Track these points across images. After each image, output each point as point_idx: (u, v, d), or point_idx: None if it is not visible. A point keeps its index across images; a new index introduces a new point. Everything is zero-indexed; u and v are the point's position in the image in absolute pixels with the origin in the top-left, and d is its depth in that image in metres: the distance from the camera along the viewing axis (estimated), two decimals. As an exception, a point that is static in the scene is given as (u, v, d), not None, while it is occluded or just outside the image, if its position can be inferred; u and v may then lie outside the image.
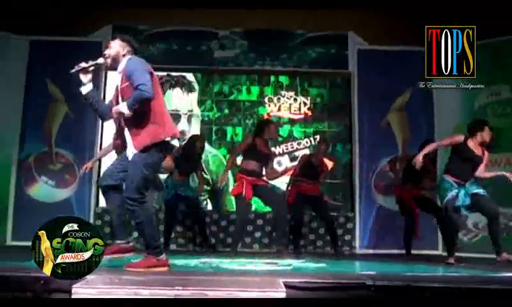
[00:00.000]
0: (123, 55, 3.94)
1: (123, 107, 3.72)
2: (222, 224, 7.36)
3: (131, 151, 3.85)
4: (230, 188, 7.23)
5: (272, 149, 7.69)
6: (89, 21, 7.74)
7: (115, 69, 4.00)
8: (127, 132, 3.90)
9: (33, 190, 7.46)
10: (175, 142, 6.37)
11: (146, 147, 3.77)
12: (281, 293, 2.94)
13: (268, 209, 6.69)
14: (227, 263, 4.80)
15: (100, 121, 7.60)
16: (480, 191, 5.22)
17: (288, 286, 3.12)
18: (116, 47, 3.95)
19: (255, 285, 3.08)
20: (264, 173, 6.16)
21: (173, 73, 7.94)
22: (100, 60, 3.93)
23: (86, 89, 3.95)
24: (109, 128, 7.60)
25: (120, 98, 3.88)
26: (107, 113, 3.98)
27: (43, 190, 7.46)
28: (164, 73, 7.91)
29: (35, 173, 7.48)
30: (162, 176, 6.70)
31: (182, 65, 7.95)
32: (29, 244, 6.87)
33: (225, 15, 7.72)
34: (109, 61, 3.94)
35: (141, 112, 3.77)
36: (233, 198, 6.59)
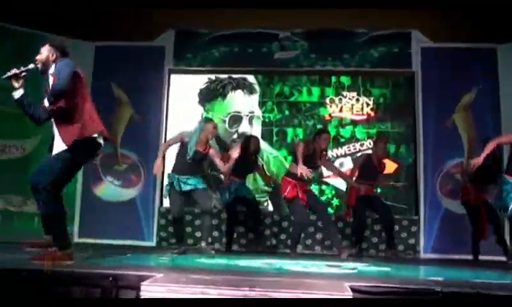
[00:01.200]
0: (53, 60, 4.07)
1: (45, 102, 3.92)
2: (283, 225, 7.35)
3: (58, 146, 3.98)
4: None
5: (335, 150, 7.69)
6: (152, 26, 7.91)
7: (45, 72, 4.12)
8: (55, 129, 4.02)
9: (99, 190, 7.70)
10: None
11: (71, 143, 3.91)
12: (347, 297, 2.90)
13: (331, 211, 6.63)
14: (290, 265, 4.78)
15: (164, 123, 7.77)
16: None
17: (354, 289, 3.07)
18: (45, 52, 4.09)
19: (321, 288, 3.05)
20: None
21: (235, 76, 8.00)
22: (31, 66, 4.06)
23: (17, 94, 4.05)
24: (173, 129, 7.80)
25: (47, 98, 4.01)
26: (41, 115, 4.05)
27: (108, 190, 7.69)
28: (226, 76, 8.00)
29: (101, 173, 7.73)
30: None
31: (243, 67, 7.99)
32: (96, 241, 7.16)
33: (286, 16, 7.70)
34: (39, 66, 4.08)
35: (67, 111, 3.93)
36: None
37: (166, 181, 7.66)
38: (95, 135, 4.03)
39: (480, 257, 6.40)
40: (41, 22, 7.41)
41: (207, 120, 6.15)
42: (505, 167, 5.24)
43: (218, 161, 5.99)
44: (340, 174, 6.74)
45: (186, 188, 5.70)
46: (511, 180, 5.03)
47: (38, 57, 4.08)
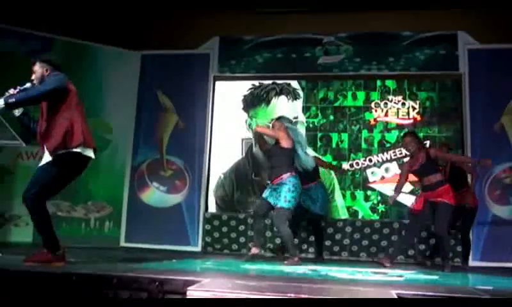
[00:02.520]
0: (48, 75, 4.23)
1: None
2: (328, 231, 7.30)
3: (45, 157, 4.17)
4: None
5: (380, 155, 7.59)
6: (196, 34, 8.02)
7: None
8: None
9: (145, 195, 7.83)
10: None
11: (55, 153, 4.10)
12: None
13: (376, 217, 6.50)
14: (335, 272, 4.75)
15: (209, 129, 7.85)
16: None
17: (401, 298, 3.02)
18: (38, 69, 4.25)
19: (367, 295, 3.01)
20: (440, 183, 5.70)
21: (278, 81, 8.01)
22: (28, 84, 4.18)
23: (18, 111, 4.24)
24: (217, 135, 7.87)
25: (44, 111, 4.19)
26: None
27: (154, 195, 7.81)
28: (270, 81, 8.01)
29: (147, 179, 7.86)
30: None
31: (286, 73, 7.99)
32: (142, 245, 7.27)
33: (330, 20, 7.68)
34: (36, 83, 4.22)
35: (51, 123, 4.13)
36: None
37: (211, 187, 7.81)
38: (79, 149, 4.18)
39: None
40: (89, 33, 7.64)
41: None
42: None
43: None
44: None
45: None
46: None
47: (33, 76, 4.26)
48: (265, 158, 7.34)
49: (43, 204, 4.15)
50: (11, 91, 4.09)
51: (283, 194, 5.46)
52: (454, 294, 3.17)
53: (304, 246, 7.18)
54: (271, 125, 6.09)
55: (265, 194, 5.71)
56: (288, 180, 5.50)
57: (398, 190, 5.90)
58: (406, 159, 7.21)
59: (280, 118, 6.07)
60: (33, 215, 4.15)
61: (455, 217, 6.18)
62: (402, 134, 6.72)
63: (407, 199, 7.12)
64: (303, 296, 2.83)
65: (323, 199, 6.45)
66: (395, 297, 2.99)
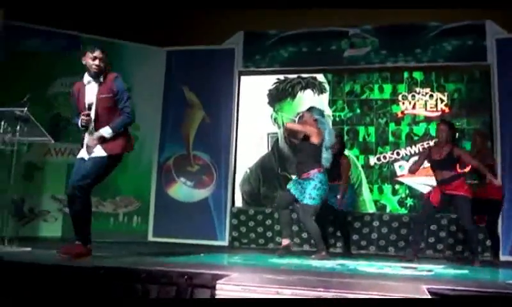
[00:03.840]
0: (104, 68, 4.35)
1: (105, 132, 4.26)
2: (355, 225, 7.26)
3: (98, 152, 4.26)
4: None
5: (408, 148, 7.51)
6: (221, 29, 8.03)
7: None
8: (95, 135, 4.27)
9: (173, 190, 7.90)
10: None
11: (114, 154, 4.32)
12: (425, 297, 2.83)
13: (404, 211, 6.44)
14: (364, 266, 4.73)
15: (235, 124, 7.87)
16: None
17: (432, 292, 2.99)
18: (103, 57, 4.35)
19: (397, 290, 2.99)
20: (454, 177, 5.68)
21: (304, 75, 7.97)
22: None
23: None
24: (243, 130, 7.88)
25: (96, 106, 4.26)
26: None
27: (182, 190, 7.88)
28: (295, 75, 7.99)
29: (174, 174, 7.93)
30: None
31: (312, 66, 7.95)
32: (169, 240, 7.34)
33: (355, 12, 7.57)
34: (96, 71, 4.32)
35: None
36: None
37: (238, 181, 7.83)
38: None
39: None
40: (115, 30, 7.71)
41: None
42: None
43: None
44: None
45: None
46: None
47: (98, 62, 4.31)
48: (291, 153, 7.35)
49: (90, 195, 4.33)
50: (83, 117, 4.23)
51: (309, 191, 5.42)
52: (484, 289, 3.13)
53: (332, 241, 7.14)
54: (299, 117, 6.02)
55: (290, 185, 5.70)
56: (315, 176, 5.45)
57: (412, 170, 6.07)
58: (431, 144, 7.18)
59: (310, 109, 6.03)
60: (78, 205, 4.26)
61: (481, 210, 6.03)
62: (439, 120, 6.62)
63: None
64: (331, 290, 2.83)
65: (349, 197, 6.48)
66: (426, 291, 2.96)
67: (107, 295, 3.34)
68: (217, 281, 3.08)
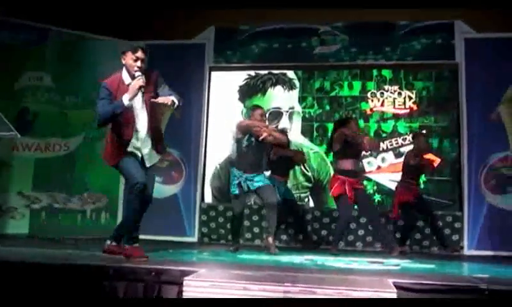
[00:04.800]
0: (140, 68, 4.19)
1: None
2: (324, 221, 7.32)
3: (154, 158, 4.33)
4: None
5: (376, 145, 7.59)
6: (192, 24, 7.97)
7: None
8: (145, 137, 4.20)
9: (143, 186, 7.79)
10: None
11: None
12: (391, 294, 2.86)
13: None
14: (332, 261, 4.76)
15: (205, 120, 7.83)
16: None
17: (398, 286, 3.03)
18: (144, 59, 4.22)
19: (365, 285, 3.02)
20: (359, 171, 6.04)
21: (274, 71, 7.98)
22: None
23: (130, 101, 4.10)
24: (213, 126, 7.85)
25: (146, 107, 4.20)
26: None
27: (152, 186, 7.77)
28: (266, 72, 8.00)
29: (150, 171, 7.82)
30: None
31: (282, 63, 7.97)
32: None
33: (325, 10, 7.60)
34: (137, 71, 4.15)
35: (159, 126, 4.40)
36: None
37: (207, 177, 7.79)
38: None
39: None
40: (85, 24, 7.59)
41: (254, 108, 6.05)
42: None
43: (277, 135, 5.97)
44: None
45: (255, 185, 5.65)
46: None
47: (140, 63, 4.17)
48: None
49: None
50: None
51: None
52: (450, 283, 3.18)
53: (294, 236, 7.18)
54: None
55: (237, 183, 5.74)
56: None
57: None
58: (402, 149, 7.32)
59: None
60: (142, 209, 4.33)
61: (422, 208, 6.52)
62: (415, 134, 6.98)
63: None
64: (299, 285, 2.84)
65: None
66: (392, 286, 3.00)
67: (75, 292, 3.30)
68: (185, 278, 3.07)
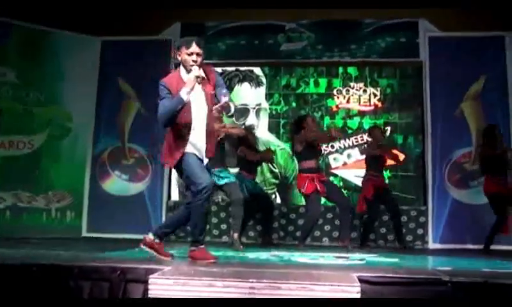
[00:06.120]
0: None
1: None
2: (291, 217, 7.35)
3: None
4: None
5: (342, 142, 7.67)
6: (158, 20, 7.90)
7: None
8: (203, 135, 4.05)
9: (107, 184, 7.72)
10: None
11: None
12: (355, 288, 2.89)
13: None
14: (298, 256, 4.79)
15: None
16: None
17: (362, 280, 3.06)
18: (202, 54, 4.05)
19: (329, 279, 3.04)
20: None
21: (241, 68, 7.98)
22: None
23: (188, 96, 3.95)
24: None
25: (207, 103, 4.03)
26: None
27: (116, 184, 7.71)
28: (233, 68, 7.99)
29: (109, 167, 7.75)
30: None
31: (249, 59, 7.96)
32: (104, 235, 7.20)
33: (292, 7, 7.62)
34: (196, 67, 3.99)
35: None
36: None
37: (174, 174, 7.74)
38: None
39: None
40: (48, 19, 7.43)
41: None
42: None
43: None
44: None
45: (221, 182, 5.66)
46: None
47: (196, 57, 4.01)
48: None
49: None
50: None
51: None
52: (414, 275, 3.23)
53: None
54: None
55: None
56: None
57: None
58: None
59: None
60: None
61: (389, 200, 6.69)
62: (370, 129, 7.01)
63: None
64: (264, 281, 2.85)
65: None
66: (356, 280, 3.03)
67: (40, 292, 3.24)
68: (150, 276, 3.05)
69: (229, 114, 4.05)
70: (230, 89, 7.89)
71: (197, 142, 4.03)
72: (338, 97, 7.84)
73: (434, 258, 5.52)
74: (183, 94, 3.85)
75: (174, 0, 7.30)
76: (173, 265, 3.60)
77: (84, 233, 7.54)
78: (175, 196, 7.78)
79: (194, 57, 3.97)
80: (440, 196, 7.29)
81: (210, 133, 4.09)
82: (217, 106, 3.93)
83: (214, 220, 7.37)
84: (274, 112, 7.87)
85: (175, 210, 7.54)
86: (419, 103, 7.66)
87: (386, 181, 7.14)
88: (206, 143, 4.07)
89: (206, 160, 4.11)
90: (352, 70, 7.92)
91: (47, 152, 7.50)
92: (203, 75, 3.95)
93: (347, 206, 6.12)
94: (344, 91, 7.84)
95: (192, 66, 3.94)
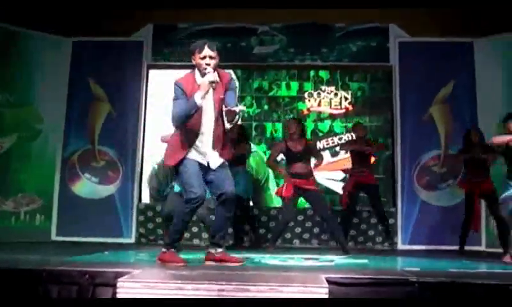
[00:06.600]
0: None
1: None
2: (262, 219, 7.38)
3: (218, 160, 4.02)
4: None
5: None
6: (130, 21, 7.85)
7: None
8: (210, 140, 3.98)
9: (77, 187, 7.63)
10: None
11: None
12: (323, 289, 2.92)
13: (308, 205, 6.66)
14: (268, 258, 4.80)
15: (142, 118, 7.73)
16: None
17: (330, 281, 3.09)
18: (217, 57, 4.01)
19: (298, 280, 3.07)
20: (311, 171, 6.06)
21: (213, 70, 7.95)
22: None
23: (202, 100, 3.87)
24: (151, 125, 7.74)
25: (214, 107, 3.95)
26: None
27: (86, 187, 7.62)
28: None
29: (79, 170, 7.65)
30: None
31: (221, 62, 7.89)
32: (74, 239, 7.11)
33: (264, 10, 7.66)
34: (210, 71, 3.93)
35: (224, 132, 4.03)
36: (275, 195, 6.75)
37: (145, 177, 7.70)
38: None
39: (455, 247, 6.40)
40: (19, 19, 7.32)
41: None
42: None
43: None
44: None
45: None
46: None
47: (209, 60, 3.94)
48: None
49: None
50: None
51: None
52: (382, 276, 3.28)
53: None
54: None
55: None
56: None
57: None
58: (338, 148, 7.52)
59: None
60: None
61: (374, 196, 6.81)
62: (355, 126, 7.10)
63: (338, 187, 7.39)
64: (233, 283, 2.86)
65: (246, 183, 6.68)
66: (324, 281, 3.06)
67: (8, 297, 3.19)
68: (118, 279, 3.03)
69: (233, 122, 3.93)
70: (203, 91, 7.87)
71: (202, 146, 3.97)
72: (309, 100, 7.90)
73: (403, 258, 5.60)
74: (197, 98, 3.79)
75: (147, 1, 7.26)
76: (143, 268, 3.58)
77: (54, 237, 7.44)
78: (145, 198, 7.73)
79: (207, 60, 3.92)
80: (409, 197, 7.41)
81: (217, 137, 3.99)
82: (228, 109, 3.86)
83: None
84: (246, 115, 7.87)
85: (146, 213, 7.52)
86: (389, 106, 7.77)
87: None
88: (213, 148, 3.99)
89: (215, 165, 4.01)
90: (323, 74, 7.99)
91: (17, 154, 7.38)
92: (218, 79, 3.91)
93: (327, 216, 6.01)
94: (315, 94, 7.91)
95: (205, 69, 3.89)
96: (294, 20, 7.92)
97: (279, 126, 7.84)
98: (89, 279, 3.24)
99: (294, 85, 7.97)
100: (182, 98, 3.90)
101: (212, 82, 3.83)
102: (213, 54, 3.94)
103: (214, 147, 3.99)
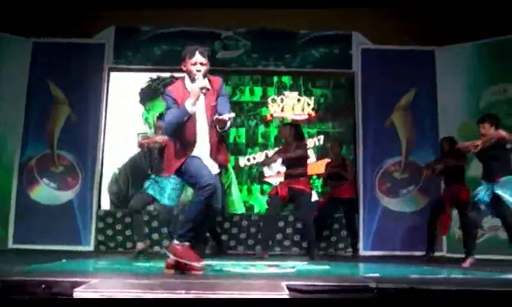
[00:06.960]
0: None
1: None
2: (225, 226, 7.33)
3: (215, 169, 3.99)
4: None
5: (276, 150, 7.69)
6: (91, 22, 7.73)
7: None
8: (207, 145, 3.93)
9: (35, 192, 7.41)
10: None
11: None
12: (284, 296, 2.90)
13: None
14: (229, 266, 4.76)
15: (103, 122, 7.60)
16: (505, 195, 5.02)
17: (291, 289, 3.08)
18: (207, 64, 3.90)
19: (258, 288, 3.04)
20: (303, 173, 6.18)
21: (177, 74, 7.88)
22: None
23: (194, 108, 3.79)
24: (112, 128, 7.62)
25: (207, 115, 3.88)
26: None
27: (44, 192, 7.41)
28: (168, 74, 7.89)
29: (37, 175, 7.44)
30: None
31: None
32: (31, 247, 6.90)
33: (228, 15, 7.65)
34: (200, 76, 3.83)
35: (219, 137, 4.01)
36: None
37: (105, 183, 7.56)
38: None
39: (416, 253, 6.51)
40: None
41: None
42: None
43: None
44: None
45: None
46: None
47: (200, 66, 3.81)
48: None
49: None
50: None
51: (168, 191, 5.51)
52: (342, 283, 3.27)
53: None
54: None
55: (146, 185, 5.68)
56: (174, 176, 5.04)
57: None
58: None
59: None
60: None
61: (338, 208, 7.01)
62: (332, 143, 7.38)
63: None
64: (193, 292, 2.81)
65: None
66: (285, 288, 3.04)
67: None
68: (75, 289, 2.94)
69: (224, 130, 3.85)
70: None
71: (200, 156, 3.89)
72: (272, 106, 7.91)
73: (364, 265, 5.63)
74: (188, 105, 3.69)
75: (108, 2, 7.13)
76: (102, 277, 3.49)
77: (11, 245, 7.18)
78: (105, 204, 7.58)
79: (198, 66, 3.82)
80: (371, 203, 7.49)
81: (213, 144, 3.93)
82: (217, 118, 3.76)
83: (146, 230, 7.19)
84: (209, 119, 7.82)
85: (105, 219, 7.38)
86: (351, 113, 7.84)
87: (319, 190, 7.26)
88: (210, 156, 3.93)
89: (215, 171, 3.97)
90: (286, 79, 8.02)
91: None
92: (208, 85, 3.81)
93: (303, 220, 6.13)
94: (278, 100, 7.92)
95: (195, 76, 3.81)
96: (258, 26, 7.91)
97: (242, 131, 7.82)
98: (45, 290, 3.15)
99: (258, 90, 7.97)
100: (174, 107, 3.81)
101: (202, 88, 3.75)
102: (204, 60, 3.85)
103: (211, 154, 3.94)
